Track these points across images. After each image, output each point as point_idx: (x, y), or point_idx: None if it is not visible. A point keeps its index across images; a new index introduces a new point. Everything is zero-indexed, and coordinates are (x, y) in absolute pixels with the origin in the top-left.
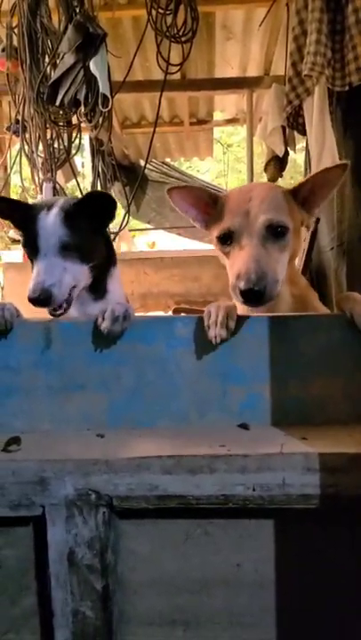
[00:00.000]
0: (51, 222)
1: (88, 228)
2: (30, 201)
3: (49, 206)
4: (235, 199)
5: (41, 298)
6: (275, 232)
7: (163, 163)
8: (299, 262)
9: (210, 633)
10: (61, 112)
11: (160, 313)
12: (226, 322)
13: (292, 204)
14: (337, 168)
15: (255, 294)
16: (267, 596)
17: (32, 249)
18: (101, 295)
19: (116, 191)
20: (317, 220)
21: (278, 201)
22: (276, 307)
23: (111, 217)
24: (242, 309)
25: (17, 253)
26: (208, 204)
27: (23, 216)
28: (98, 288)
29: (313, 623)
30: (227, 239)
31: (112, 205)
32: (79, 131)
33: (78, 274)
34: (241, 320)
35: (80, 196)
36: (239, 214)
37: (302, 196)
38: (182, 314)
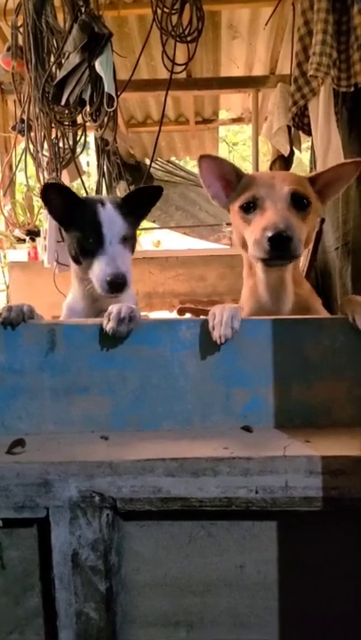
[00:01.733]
0: (112, 214)
1: (134, 221)
2: (35, 200)
3: (101, 201)
4: (260, 176)
5: (120, 282)
6: (299, 202)
7: (168, 161)
8: (304, 262)
9: (213, 634)
10: (67, 112)
11: (165, 312)
12: (231, 322)
13: (310, 188)
14: (352, 164)
15: (284, 241)
16: (270, 598)
17: (94, 239)
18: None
19: (121, 190)
20: (322, 221)
21: (302, 180)
22: (281, 304)
23: (149, 209)
24: (259, 281)
25: (22, 252)
26: (231, 182)
27: (72, 207)
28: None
29: (316, 625)
30: (250, 207)
31: (158, 197)
32: (84, 130)
33: (130, 264)
34: (245, 323)
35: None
36: (265, 185)
37: (318, 187)
38: (187, 313)
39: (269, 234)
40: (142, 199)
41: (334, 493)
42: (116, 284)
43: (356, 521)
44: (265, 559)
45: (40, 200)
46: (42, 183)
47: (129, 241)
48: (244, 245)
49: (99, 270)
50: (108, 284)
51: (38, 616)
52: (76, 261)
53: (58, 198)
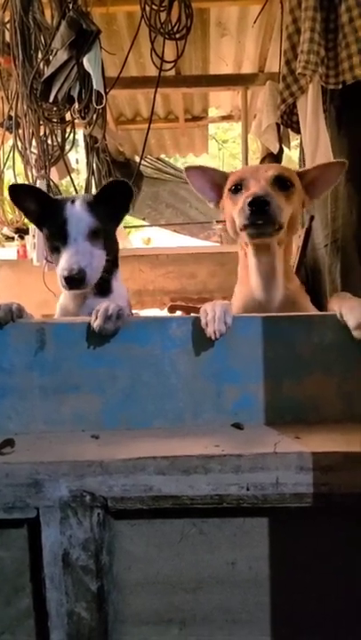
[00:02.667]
0: (78, 211)
1: (108, 219)
2: None
3: (72, 200)
4: (247, 166)
5: (77, 277)
6: (281, 183)
7: (158, 159)
8: (294, 259)
9: (205, 631)
10: (55, 109)
11: (156, 310)
12: (223, 317)
13: (298, 180)
14: (338, 164)
15: (262, 205)
16: (262, 594)
17: (59, 236)
18: (105, 294)
19: None
20: (312, 218)
21: (287, 169)
22: (271, 294)
23: (127, 205)
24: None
25: (11, 251)
26: (220, 185)
27: (45, 207)
28: (103, 286)
29: (307, 620)
30: (237, 189)
31: (129, 191)
32: (73, 127)
33: (101, 262)
34: (235, 320)
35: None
36: (251, 170)
37: (305, 182)
38: (178, 311)
39: (249, 199)
40: (115, 194)
41: (324, 489)
42: (72, 280)
43: (346, 516)
44: (256, 556)
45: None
46: (30, 181)
47: (98, 237)
48: (234, 227)
49: (60, 266)
50: (65, 280)
51: (29, 616)
52: (51, 261)
53: (29, 199)
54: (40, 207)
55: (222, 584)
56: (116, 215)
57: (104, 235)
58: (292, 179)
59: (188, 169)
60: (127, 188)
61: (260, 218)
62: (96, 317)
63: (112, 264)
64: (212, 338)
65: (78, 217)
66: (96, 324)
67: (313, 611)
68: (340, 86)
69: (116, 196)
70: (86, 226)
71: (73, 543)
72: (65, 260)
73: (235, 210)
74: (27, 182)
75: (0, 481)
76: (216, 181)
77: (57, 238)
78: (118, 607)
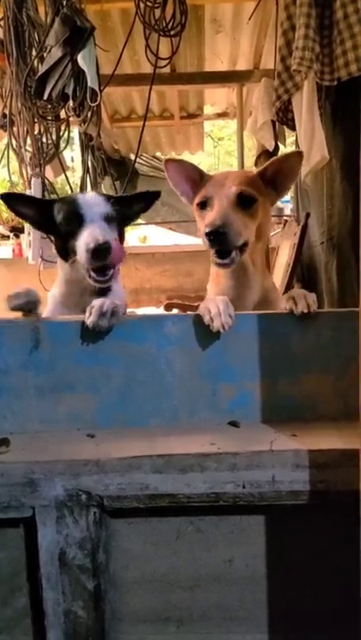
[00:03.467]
0: (93, 197)
1: (121, 214)
2: None
3: (83, 193)
4: (215, 176)
5: (103, 247)
6: (244, 201)
7: (153, 157)
8: (290, 256)
9: (203, 629)
10: (49, 106)
11: (152, 308)
12: (228, 310)
13: (260, 183)
14: (294, 155)
15: (219, 235)
16: (259, 591)
17: (75, 223)
18: (104, 294)
19: (106, 186)
20: (308, 215)
21: (251, 180)
22: (245, 296)
23: (146, 208)
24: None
25: (6, 249)
26: (196, 182)
27: (45, 209)
28: (103, 290)
29: (304, 617)
30: (204, 205)
31: (154, 199)
32: (68, 125)
33: (117, 244)
34: None
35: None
36: (216, 185)
37: (268, 178)
38: (174, 309)
39: (207, 230)
40: (139, 201)
41: (321, 487)
42: (100, 252)
43: (342, 514)
44: (253, 553)
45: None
46: (25, 179)
47: (113, 221)
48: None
49: (82, 244)
50: (92, 253)
51: (26, 616)
52: (65, 257)
53: (26, 207)
54: (38, 211)
55: (219, 582)
56: (130, 215)
57: (119, 221)
58: (254, 193)
59: (168, 161)
60: (155, 198)
61: (219, 245)
62: (90, 314)
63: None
64: (221, 330)
65: (92, 202)
66: (90, 320)
67: (309, 608)
68: (336, 83)
69: (135, 201)
70: (102, 209)
71: (69, 542)
72: (88, 234)
73: (201, 225)
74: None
75: None
76: (192, 177)
77: (72, 225)
78: (115, 606)
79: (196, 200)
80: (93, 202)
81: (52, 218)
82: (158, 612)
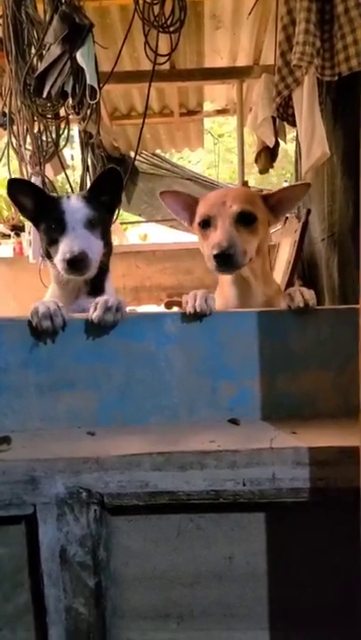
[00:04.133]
0: (74, 202)
1: (104, 210)
2: None
3: (68, 195)
4: (213, 196)
5: (79, 258)
6: (245, 218)
7: (153, 154)
8: (290, 254)
9: (203, 625)
10: (49, 104)
11: (153, 306)
12: (205, 299)
13: (262, 204)
14: (302, 186)
15: (226, 257)
16: (259, 588)
17: (57, 227)
18: (98, 294)
19: None
20: (308, 212)
21: (250, 198)
22: (248, 303)
23: (119, 194)
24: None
25: (7, 248)
26: (192, 206)
27: (41, 203)
28: (96, 285)
29: (305, 614)
30: (206, 224)
31: (119, 178)
32: (67, 123)
33: (99, 248)
34: (230, 316)
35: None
36: (217, 205)
37: (271, 203)
38: (175, 307)
39: (215, 252)
40: (107, 185)
41: (321, 484)
42: (75, 262)
43: (342, 511)
44: (253, 550)
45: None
46: (25, 177)
47: (95, 226)
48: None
49: (60, 252)
50: (67, 263)
51: (28, 612)
52: (48, 256)
53: (26, 195)
54: (36, 204)
55: (220, 579)
56: (111, 207)
57: (101, 225)
58: (255, 212)
59: (163, 193)
60: (117, 174)
61: (226, 266)
62: (95, 309)
63: (105, 264)
64: (192, 311)
65: (75, 208)
66: (95, 314)
67: (310, 605)
68: (336, 78)
69: (108, 187)
70: (84, 215)
71: (70, 539)
72: (65, 244)
73: (205, 244)
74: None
75: None
76: (187, 203)
77: (55, 230)
78: (116, 602)
79: (197, 220)
80: (76, 207)
81: (42, 212)
82: (159, 609)
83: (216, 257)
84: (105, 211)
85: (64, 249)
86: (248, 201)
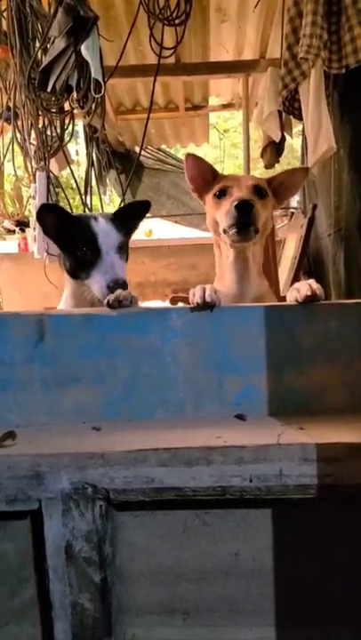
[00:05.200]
0: (105, 226)
1: (126, 232)
2: (24, 190)
3: (94, 217)
4: (230, 175)
5: (121, 282)
6: (259, 191)
7: (158, 149)
8: (296, 249)
9: (209, 621)
10: (53, 98)
11: (158, 302)
12: (210, 291)
13: (267, 185)
14: (301, 170)
15: (247, 207)
16: (265, 584)
17: (90, 250)
18: None
19: (111, 179)
20: (315, 207)
21: (261, 179)
22: (244, 291)
23: (139, 221)
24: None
25: (12, 244)
26: (208, 180)
27: (69, 226)
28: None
29: (311, 610)
30: (221, 195)
31: (147, 209)
32: (72, 118)
33: (125, 271)
34: (237, 310)
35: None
36: (233, 179)
37: (273, 187)
38: (180, 302)
39: (236, 202)
40: (132, 213)
41: (328, 480)
42: (117, 289)
43: (350, 507)
44: (260, 547)
45: (29, 190)
46: (30, 173)
47: (123, 251)
48: (216, 228)
49: (100, 277)
50: (110, 290)
51: (34, 607)
52: (74, 275)
53: (52, 218)
54: (62, 225)
55: (226, 575)
56: (129, 230)
57: (127, 246)
58: (266, 188)
59: (188, 155)
60: (147, 206)
61: (245, 219)
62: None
63: None
64: (200, 302)
65: (107, 232)
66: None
67: (317, 601)
68: (344, 71)
69: (131, 212)
70: (116, 240)
71: (75, 535)
72: (106, 272)
73: (219, 212)
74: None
75: (1, 473)
76: (206, 175)
77: (88, 252)
78: (122, 598)
79: (214, 190)
80: (108, 232)
81: (69, 233)
82: (165, 605)
83: (238, 207)
84: (126, 233)
85: (105, 276)
86: (260, 180)
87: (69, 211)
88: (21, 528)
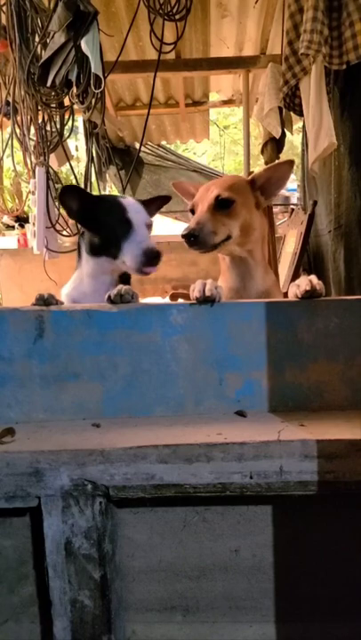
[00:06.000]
0: (135, 204)
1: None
2: (24, 185)
3: (122, 196)
4: (205, 184)
5: (156, 254)
6: (221, 203)
7: (159, 145)
8: (296, 245)
9: (209, 617)
10: (53, 93)
11: (158, 298)
12: (211, 286)
13: (247, 189)
14: (286, 163)
15: (189, 237)
16: (265, 580)
17: (122, 223)
18: (126, 283)
19: (111, 175)
20: (315, 203)
21: (233, 184)
22: (248, 288)
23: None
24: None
25: (12, 239)
26: (193, 194)
27: (94, 206)
28: (124, 279)
29: (311, 606)
30: (193, 211)
31: (166, 202)
32: (72, 113)
33: None
34: (237, 306)
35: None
36: (203, 191)
37: (259, 185)
38: (180, 299)
39: (182, 233)
40: (154, 204)
41: (329, 477)
42: (153, 257)
43: (350, 504)
44: (260, 543)
45: (28, 185)
46: (29, 168)
47: (149, 231)
48: None
49: (135, 247)
50: (146, 256)
51: (33, 604)
52: (98, 253)
53: (75, 199)
54: (86, 206)
55: (226, 571)
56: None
57: (150, 228)
58: (233, 197)
59: (175, 183)
60: (167, 200)
61: (195, 246)
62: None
63: None
64: (199, 296)
65: (137, 208)
66: (114, 292)
67: (317, 598)
68: (345, 67)
69: (153, 203)
70: (145, 217)
71: (75, 532)
72: (141, 241)
73: None
74: (26, 171)
75: (1, 470)
76: (191, 192)
77: (120, 225)
78: (122, 595)
79: (188, 207)
80: (138, 209)
81: (96, 212)
82: (164, 601)
83: (183, 237)
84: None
85: (140, 245)
86: (229, 187)
87: None
88: (21, 525)
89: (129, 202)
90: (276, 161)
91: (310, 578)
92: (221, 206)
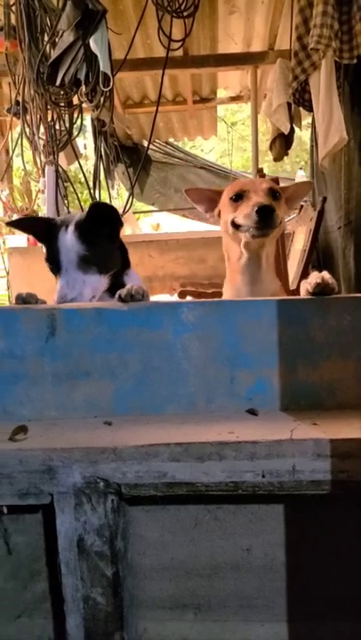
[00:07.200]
0: (69, 239)
1: (102, 241)
2: (33, 185)
3: (66, 224)
4: (244, 180)
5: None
6: (273, 193)
7: (166, 143)
8: (305, 242)
9: (221, 616)
10: (62, 92)
11: (166, 296)
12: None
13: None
14: (308, 184)
15: (268, 210)
16: (277, 580)
17: (54, 265)
18: (116, 290)
19: (119, 173)
20: (324, 199)
21: (274, 183)
22: (259, 288)
23: (117, 225)
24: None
25: (21, 238)
26: (213, 199)
27: (45, 232)
28: (115, 290)
29: (324, 606)
30: (238, 198)
31: (114, 214)
32: (80, 111)
33: (97, 284)
34: (249, 304)
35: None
36: (248, 184)
37: (285, 195)
38: (188, 296)
39: (257, 207)
40: (102, 217)
41: (342, 476)
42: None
43: None
44: (272, 542)
45: (38, 184)
46: (39, 167)
47: (90, 263)
48: (230, 229)
49: (57, 293)
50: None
51: (46, 600)
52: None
53: (29, 226)
54: (42, 231)
55: (237, 570)
56: (111, 234)
57: (99, 258)
58: (279, 191)
59: (188, 190)
60: (107, 209)
61: (265, 222)
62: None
63: (121, 270)
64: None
65: (69, 246)
66: (124, 292)
67: (329, 597)
68: (355, 61)
69: (104, 219)
70: (76, 255)
71: (87, 529)
72: (57, 291)
73: (237, 214)
74: (35, 170)
75: (14, 467)
76: (209, 197)
77: (52, 267)
78: (134, 592)
79: (229, 194)
80: (69, 245)
81: (47, 240)
82: (176, 599)
83: (259, 211)
84: (102, 240)
85: (56, 295)
86: (274, 183)
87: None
88: (33, 522)
89: (65, 237)
90: (297, 180)
91: (322, 577)
92: (273, 196)
